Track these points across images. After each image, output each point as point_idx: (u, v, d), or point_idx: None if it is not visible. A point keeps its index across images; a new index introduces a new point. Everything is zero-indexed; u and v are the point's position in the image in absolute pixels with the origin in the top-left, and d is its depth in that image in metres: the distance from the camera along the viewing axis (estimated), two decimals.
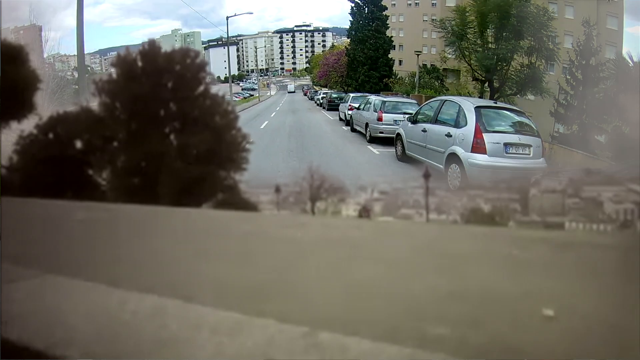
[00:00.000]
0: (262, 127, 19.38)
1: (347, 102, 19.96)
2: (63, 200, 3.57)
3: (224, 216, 3.24)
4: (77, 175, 4.46)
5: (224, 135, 4.66)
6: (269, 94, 32.89)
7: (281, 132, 17.68)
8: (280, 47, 35.28)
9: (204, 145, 4.50)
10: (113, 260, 2.05)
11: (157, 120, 4.58)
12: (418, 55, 25.04)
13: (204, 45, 30.64)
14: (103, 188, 4.58)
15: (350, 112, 18.45)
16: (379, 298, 1.59)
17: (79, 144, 4.50)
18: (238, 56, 33.66)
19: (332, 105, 26.80)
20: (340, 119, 21.26)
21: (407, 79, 26.71)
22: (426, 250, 2.13)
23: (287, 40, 34.70)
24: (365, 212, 3.95)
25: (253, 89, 32.41)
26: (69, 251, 2.20)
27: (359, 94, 20.30)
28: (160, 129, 4.59)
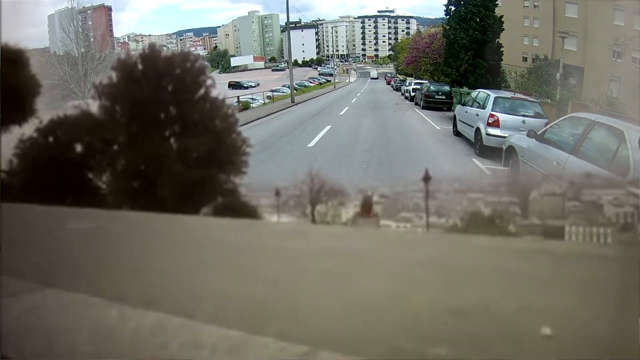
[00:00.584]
0: (318, 138, 10.20)
1: (485, 107, 10.41)
2: (62, 206, 3.56)
3: (225, 224, 3.23)
4: (76, 178, 4.45)
5: (224, 139, 4.66)
6: (347, 80, 31.74)
7: (347, 157, 8.53)
8: (362, 33, 33.36)
9: (204, 148, 4.50)
10: (114, 272, 2.05)
11: (157, 123, 4.57)
12: (563, 38, 17.64)
13: (282, 28, 28.95)
14: (103, 192, 4.58)
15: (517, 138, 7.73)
16: (379, 315, 1.58)
17: (78, 148, 4.49)
18: (317, 40, 32.10)
19: (430, 103, 19.13)
20: (457, 133, 11.60)
21: (523, 72, 20.34)
22: (427, 263, 2.13)
23: (370, 26, 32.92)
24: (366, 214, 3.94)
25: (331, 75, 31.12)
26: (69, 263, 2.20)
27: (501, 94, 11.68)
28: (161, 133, 4.58)
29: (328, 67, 32.14)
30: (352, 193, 4.64)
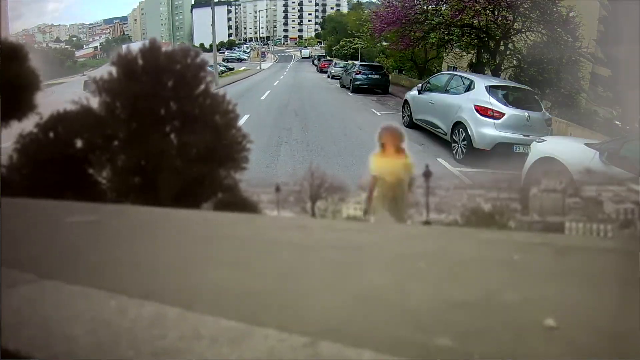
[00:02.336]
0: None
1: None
2: (62, 200, 3.55)
3: (224, 218, 3.23)
4: (76, 174, 4.44)
5: (224, 134, 4.65)
6: (258, 67, 25.50)
7: None
8: (284, 12, 29.28)
9: (204, 144, 4.49)
10: (113, 264, 2.05)
11: (157, 119, 4.56)
12: None
13: (193, 7, 25.60)
14: (103, 187, 4.57)
15: None
16: (381, 306, 1.58)
17: (78, 143, 4.49)
18: (230, 20, 28.03)
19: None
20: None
21: None
22: (428, 256, 2.12)
23: (294, 3, 28.79)
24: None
25: (240, 60, 26.48)
26: (68, 255, 2.19)
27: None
28: (161, 128, 4.57)
29: (238, 52, 27.42)
30: (352, 189, 4.62)
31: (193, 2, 25.72)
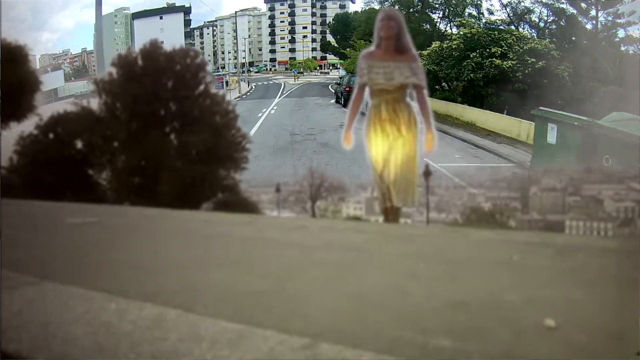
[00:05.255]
0: None
1: None
2: (62, 202, 3.56)
3: (224, 219, 3.22)
4: (75, 175, 4.45)
5: (224, 135, 4.65)
6: None
7: None
8: (270, 28, 20.91)
9: (204, 144, 4.50)
10: (113, 266, 2.05)
11: (157, 119, 4.56)
12: None
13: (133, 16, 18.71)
14: (102, 187, 4.58)
15: None
16: (380, 307, 1.57)
17: (78, 144, 4.49)
18: (203, 44, 20.38)
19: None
20: None
21: None
22: (427, 256, 2.12)
23: (282, 14, 20.75)
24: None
25: None
26: (68, 257, 2.19)
27: None
28: (161, 129, 4.58)
29: None
30: (352, 189, 4.62)
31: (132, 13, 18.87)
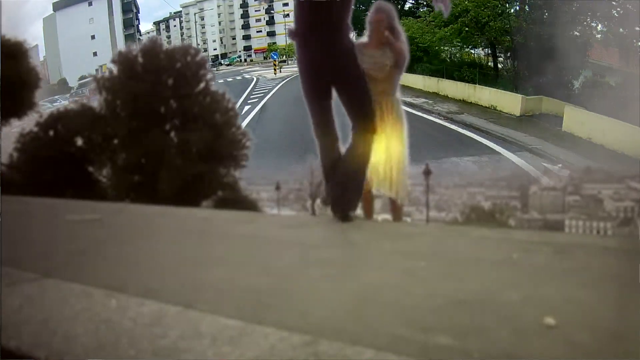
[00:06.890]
0: None
1: None
2: (62, 199, 3.55)
3: (225, 216, 3.22)
4: (76, 172, 4.44)
5: (224, 132, 4.66)
6: None
7: None
8: (243, 10, 16.61)
9: (204, 142, 4.50)
10: (113, 263, 2.05)
11: (157, 117, 4.56)
12: None
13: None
14: (103, 185, 4.58)
15: None
16: (380, 304, 1.58)
17: (78, 141, 4.49)
18: (170, 37, 16.43)
19: None
20: None
21: None
22: (427, 254, 2.12)
23: None
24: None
25: None
26: (68, 253, 2.19)
27: None
28: (161, 127, 4.58)
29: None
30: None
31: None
